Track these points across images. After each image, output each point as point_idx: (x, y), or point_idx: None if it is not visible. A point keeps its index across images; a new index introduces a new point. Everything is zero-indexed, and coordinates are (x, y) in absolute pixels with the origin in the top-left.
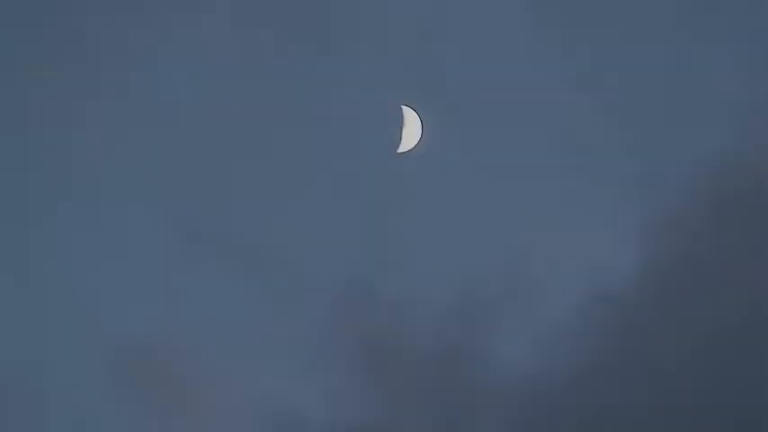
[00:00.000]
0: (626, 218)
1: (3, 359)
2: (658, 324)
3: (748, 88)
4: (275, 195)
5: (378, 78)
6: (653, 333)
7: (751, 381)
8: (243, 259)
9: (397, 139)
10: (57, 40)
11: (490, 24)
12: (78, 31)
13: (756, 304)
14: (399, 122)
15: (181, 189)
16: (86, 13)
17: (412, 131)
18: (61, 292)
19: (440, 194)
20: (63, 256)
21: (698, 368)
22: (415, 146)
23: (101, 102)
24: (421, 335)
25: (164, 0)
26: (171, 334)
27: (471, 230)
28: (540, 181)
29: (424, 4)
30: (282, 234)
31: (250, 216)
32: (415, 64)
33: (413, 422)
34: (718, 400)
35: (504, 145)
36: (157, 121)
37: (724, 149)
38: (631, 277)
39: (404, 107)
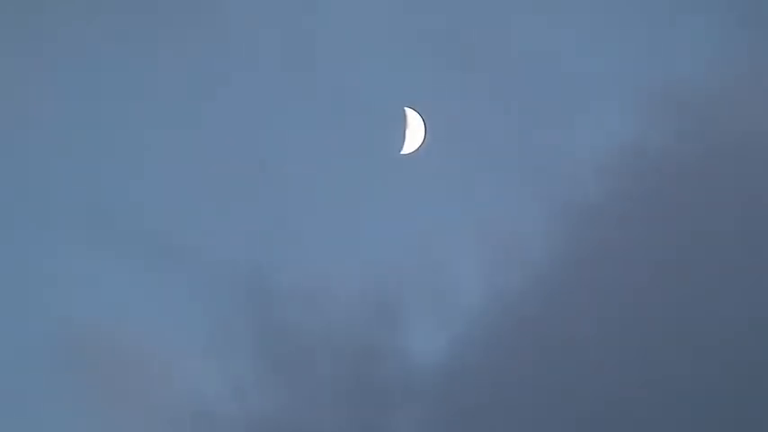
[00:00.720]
0: (539, 210)
1: None
2: (571, 315)
3: (648, 73)
4: (191, 192)
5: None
6: (565, 325)
7: (663, 370)
8: (159, 253)
9: (400, 141)
10: None
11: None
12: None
13: (666, 293)
14: (403, 124)
15: (100, 185)
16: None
17: (415, 133)
18: None
19: (355, 190)
20: None
21: (611, 362)
22: (418, 147)
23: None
24: (334, 328)
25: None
26: (80, 325)
27: (386, 225)
28: (451, 175)
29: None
30: (195, 227)
31: (170, 212)
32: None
33: (324, 415)
34: (632, 393)
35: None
36: (79, 114)
37: (626, 137)
38: (543, 269)
39: (407, 109)
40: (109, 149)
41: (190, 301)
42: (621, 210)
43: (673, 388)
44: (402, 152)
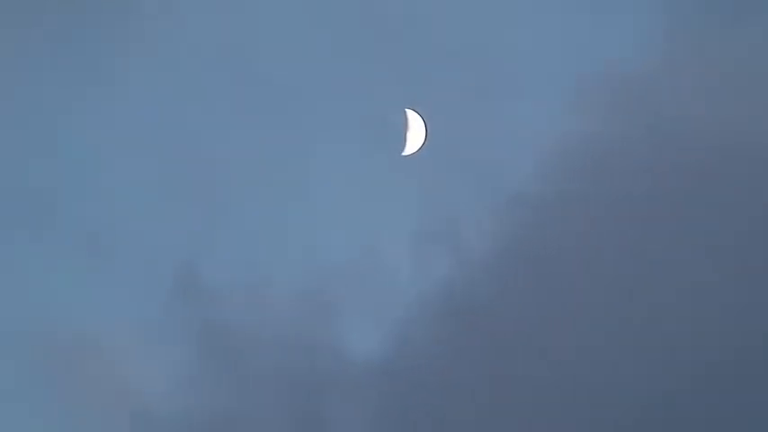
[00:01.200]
0: (481, 203)
1: None
2: (511, 309)
3: (578, 61)
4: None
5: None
6: (505, 318)
7: (609, 363)
8: (100, 252)
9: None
10: None
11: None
12: None
13: (611, 282)
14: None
15: (37, 184)
16: None
17: (416, 134)
18: None
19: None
20: None
21: (554, 354)
22: (420, 148)
23: None
24: (274, 325)
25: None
26: (18, 324)
27: (325, 223)
28: (390, 170)
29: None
30: (134, 225)
31: (110, 210)
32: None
33: (263, 411)
34: (577, 386)
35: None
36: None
37: (567, 126)
38: (482, 264)
39: (408, 110)
40: (44, 148)
41: (131, 300)
42: (564, 200)
43: (619, 381)
44: (404, 153)
